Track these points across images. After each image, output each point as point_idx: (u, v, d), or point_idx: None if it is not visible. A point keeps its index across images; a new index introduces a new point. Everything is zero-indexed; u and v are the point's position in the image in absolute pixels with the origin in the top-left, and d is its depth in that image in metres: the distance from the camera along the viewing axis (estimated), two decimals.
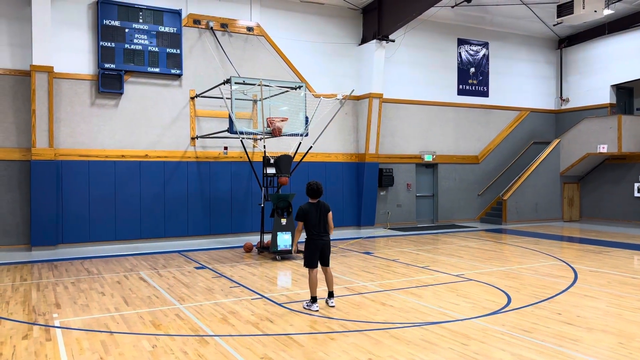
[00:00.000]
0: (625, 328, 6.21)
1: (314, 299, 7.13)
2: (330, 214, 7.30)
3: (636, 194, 17.70)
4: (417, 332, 6.07)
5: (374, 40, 16.17)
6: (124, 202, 13.59)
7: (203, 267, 10.47)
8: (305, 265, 7.24)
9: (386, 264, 10.85)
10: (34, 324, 6.58)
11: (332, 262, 10.87)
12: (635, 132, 17.44)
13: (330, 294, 7.33)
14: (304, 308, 7.17)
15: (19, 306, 7.47)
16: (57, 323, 6.59)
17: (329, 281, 7.33)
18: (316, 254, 7.17)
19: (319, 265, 7.26)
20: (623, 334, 6.00)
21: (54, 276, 9.66)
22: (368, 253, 12.17)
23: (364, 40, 16.78)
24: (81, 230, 13.14)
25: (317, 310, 7.01)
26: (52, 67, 12.46)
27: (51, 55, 12.48)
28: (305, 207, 7.22)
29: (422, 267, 10.27)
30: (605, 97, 19.32)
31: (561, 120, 20.80)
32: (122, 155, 13.65)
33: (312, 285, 7.14)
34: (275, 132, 11.73)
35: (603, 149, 17.57)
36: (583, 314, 6.83)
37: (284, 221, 11.41)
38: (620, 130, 17.21)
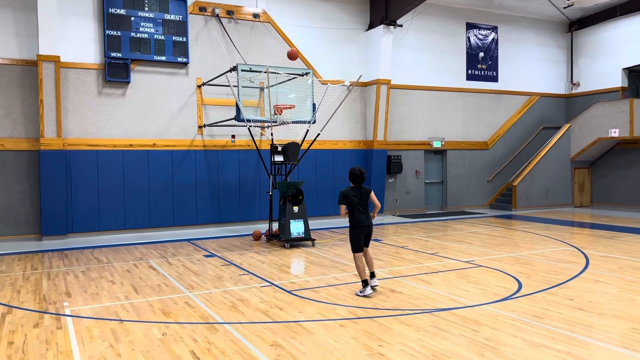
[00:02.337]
0: (637, 313, 6.14)
1: (365, 283, 7.19)
2: (372, 194, 7.44)
3: None
4: (427, 319, 6.03)
5: (382, 26, 15.99)
6: (132, 191, 13.62)
7: (212, 255, 10.49)
8: (353, 250, 7.32)
9: (395, 251, 10.82)
10: (44, 312, 6.62)
11: (341, 249, 10.87)
12: None
13: (372, 274, 7.42)
14: (358, 295, 7.16)
15: (30, 295, 7.52)
16: (67, 311, 6.63)
17: (369, 262, 7.43)
18: (361, 239, 7.29)
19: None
20: (636, 319, 5.93)
21: (65, 265, 9.72)
22: (377, 240, 12.14)
23: (371, 26, 16.60)
24: (91, 219, 13.20)
25: (370, 293, 7.11)
26: (58, 57, 12.43)
27: (57, 44, 12.45)
28: (346, 190, 7.36)
29: (432, 254, 10.23)
30: (616, 80, 19.04)
31: (572, 104, 20.54)
32: (130, 145, 13.65)
33: (361, 270, 7.21)
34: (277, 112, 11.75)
35: (614, 133, 17.34)
36: (595, 300, 6.77)
37: (296, 208, 11.37)
38: (632, 114, 16.96)
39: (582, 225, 14.75)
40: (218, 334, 5.66)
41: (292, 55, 11.63)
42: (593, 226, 14.30)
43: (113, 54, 13.25)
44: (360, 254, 7.27)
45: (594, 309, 6.36)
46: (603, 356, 4.87)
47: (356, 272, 8.59)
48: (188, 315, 6.38)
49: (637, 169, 17.88)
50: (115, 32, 13.27)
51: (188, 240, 12.62)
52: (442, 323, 5.87)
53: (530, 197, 18.33)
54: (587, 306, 6.47)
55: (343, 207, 7.38)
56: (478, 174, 18.94)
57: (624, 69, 18.91)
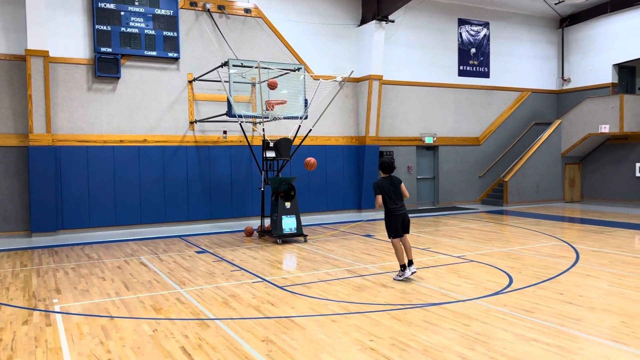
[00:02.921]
0: (627, 307, 6.18)
1: (403, 267, 7.57)
2: (402, 184, 7.71)
3: (638, 174, 17.63)
4: (418, 314, 6.04)
5: (374, 21, 15.96)
6: (123, 187, 13.54)
7: (204, 252, 10.45)
8: (390, 236, 7.62)
9: (387, 246, 10.81)
10: (34, 309, 6.56)
11: (333, 245, 10.87)
12: (637, 112, 17.30)
13: (410, 262, 7.64)
14: (396, 279, 7.58)
15: (19, 292, 7.45)
16: (57, 308, 6.58)
17: (407, 249, 7.64)
18: (398, 226, 7.55)
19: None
20: (625, 313, 5.97)
21: (54, 262, 9.64)
22: (369, 236, 12.15)
23: (363, 21, 16.57)
24: (81, 216, 13.11)
25: (409, 275, 7.52)
26: (47, 52, 12.31)
27: (46, 39, 12.33)
28: (380, 181, 7.62)
29: (423, 249, 10.25)
30: (607, 76, 19.14)
31: (563, 100, 20.64)
32: (121, 141, 13.56)
33: (399, 254, 7.57)
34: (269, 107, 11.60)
35: (605, 129, 17.45)
36: (585, 294, 6.81)
37: (288, 204, 11.34)
38: (622, 110, 17.07)
39: (572, 220, 14.84)
40: (209, 330, 5.64)
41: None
42: (583, 221, 14.39)
43: (103, 49, 13.13)
44: (397, 240, 7.57)
45: (584, 303, 6.39)
46: (593, 350, 4.89)
47: (348, 268, 8.59)
48: (179, 311, 6.35)
49: (627, 164, 18.01)
50: (105, 27, 13.15)
51: (179, 236, 12.57)
52: (433, 318, 5.88)
53: (521, 193, 18.42)
54: (577, 300, 6.50)
55: (379, 198, 7.56)
56: (470, 169, 19.00)
57: (614, 65, 19.02)
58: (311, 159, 11.21)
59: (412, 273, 7.60)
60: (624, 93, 18.45)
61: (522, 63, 19.99)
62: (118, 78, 13.43)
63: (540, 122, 20.11)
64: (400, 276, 7.58)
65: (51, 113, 12.63)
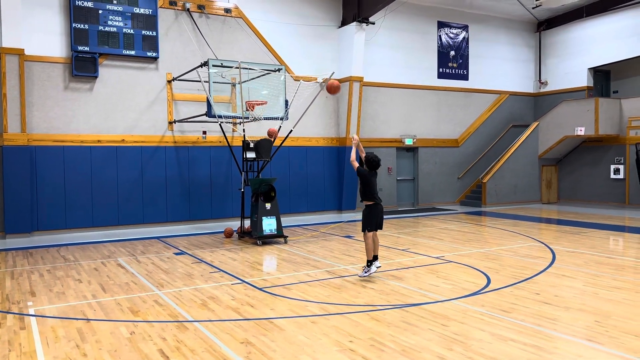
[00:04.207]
0: (601, 306, 6.30)
1: (369, 263, 7.74)
2: None
3: (612, 176, 17.99)
4: (397, 314, 6.07)
5: (354, 23, 16.01)
6: (100, 188, 13.34)
7: (182, 253, 10.36)
8: (365, 229, 7.76)
9: None
10: (7, 312, 6.42)
11: (313, 246, 10.87)
12: (611, 115, 17.66)
13: (375, 257, 7.81)
14: (362, 276, 7.72)
15: None
16: (31, 311, 6.45)
17: (376, 244, 7.84)
18: (374, 219, 7.75)
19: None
20: (599, 312, 6.08)
21: (29, 264, 9.46)
22: (349, 237, 12.17)
23: (343, 23, 16.62)
24: (57, 217, 12.88)
25: (374, 272, 7.71)
26: (22, 50, 12.08)
27: (22, 37, 12.11)
28: (366, 171, 7.88)
29: (403, 250, 10.30)
30: (582, 80, 19.52)
31: (540, 103, 20.97)
32: (98, 140, 13.36)
33: (369, 248, 7.74)
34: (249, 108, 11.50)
35: (580, 131, 17.76)
36: (561, 294, 6.92)
37: (268, 205, 11.30)
38: (597, 113, 17.41)
39: (549, 221, 15.08)
40: (188, 332, 5.59)
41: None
42: (560, 222, 14.63)
43: (80, 48, 12.93)
44: (370, 234, 7.72)
45: (560, 302, 6.50)
46: (568, 349, 4.97)
47: (328, 269, 8.59)
48: (157, 313, 6.28)
49: (602, 166, 18.36)
50: (82, 25, 12.95)
51: (158, 237, 12.43)
52: (412, 318, 5.91)
53: (499, 194, 18.65)
54: (553, 300, 6.61)
55: (356, 163, 7.93)
56: (449, 171, 19.17)
57: (589, 68, 19.40)
58: (335, 81, 10.57)
59: (377, 268, 7.80)
60: (599, 96, 18.82)
61: (500, 66, 20.25)
62: (96, 77, 13.24)
63: (518, 124, 20.40)
64: (366, 272, 7.72)
65: (26, 112, 12.39)
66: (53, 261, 9.69)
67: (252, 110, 11.68)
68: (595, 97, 18.41)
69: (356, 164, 7.96)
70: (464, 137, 19.45)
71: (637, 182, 17.02)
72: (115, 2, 13.31)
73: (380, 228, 7.91)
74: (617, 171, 17.84)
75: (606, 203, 18.11)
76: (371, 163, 7.85)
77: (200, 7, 14.52)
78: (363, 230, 7.83)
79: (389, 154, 17.85)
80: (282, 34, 15.77)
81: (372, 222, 7.78)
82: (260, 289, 7.38)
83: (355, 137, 8.14)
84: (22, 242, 11.72)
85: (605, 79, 20.17)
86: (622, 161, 17.73)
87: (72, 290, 7.46)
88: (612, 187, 18.04)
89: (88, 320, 6.05)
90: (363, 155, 8.04)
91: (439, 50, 18.80)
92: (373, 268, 7.72)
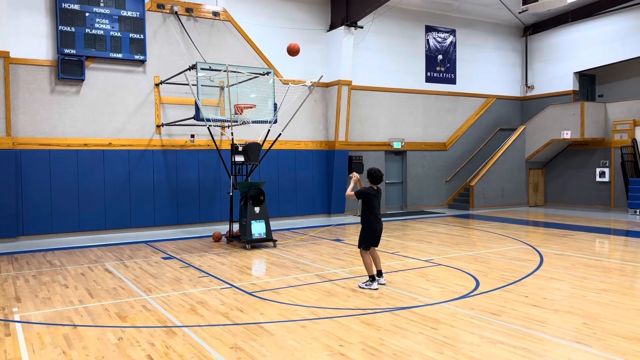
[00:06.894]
0: (589, 309, 6.35)
1: (372, 278, 7.47)
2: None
3: (598, 179, 18.19)
4: (387, 318, 6.07)
5: (343, 27, 16.05)
6: (87, 192, 13.20)
7: (170, 258, 10.28)
8: (361, 246, 7.56)
9: (356, 250, 10.83)
10: None
11: (302, 250, 10.84)
12: (597, 119, 17.87)
13: (380, 273, 7.64)
14: (361, 287, 7.48)
15: None
16: (17, 317, 6.35)
17: (377, 260, 7.64)
18: (373, 237, 7.53)
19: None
20: (587, 314, 6.13)
21: (14, 269, 9.32)
22: (338, 240, 12.16)
23: (332, 27, 16.65)
24: (43, 221, 12.72)
25: (377, 288, 7.37)
26: (8, 53, 11.94)
27: (7, 39, 11.96)
28: (367, 189, 7.57)
29: (392, 253, 10.32)
30: (568, 84, 19.74)
31: (526, 107, 21.16)
32: (85, 144, 13.23)
33: (368, 266, 7.50)
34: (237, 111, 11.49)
35: (567, 135, 17.95)
36: (549, 296, 6.96)
37: (257, 209, 11.26)
38: (583, 117, 17.60)
39: (536, 224, 15.19)
40: (176, 337, 5.53)
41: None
42: (547, 225, 14.75)
43: (67, 51, 12.81)
44: (367, 252, 7.54)
45: (548, 305, 6.54)
46: (557, 351, 5.00)
47: (317, 273, 8.57)
48: (145, 319, 6.22)
49: (588, 169, 18.56)
50: (68, 28, 12.83)
51: (145, 242, 12.33)
52: (402, 322, 5.91)
53: (487, 197, 18.77)
54: (542, 303, 6.64)
55: (354, 195, 7.54)
56: (437, 174, 19.26)
57: (575, 73, 19.64)
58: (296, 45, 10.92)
59: (382, 284, 7.54)
60: (585, 100, 19.04)
61: (487, 70, 20.41)
62: (82, 80, 13.12)
63: (505, 127, 20.56)
64: (367, 285, 7.44)
65: (11, 116, 12.24)
66: (39, 266, 9.56)
67: (240, 113, 11.65)
68: (580, 101, 18.62)
69: (352, 193, 7.59)
70: (451, 141, 19.56)
71: (623, 185, 17.23)
72: (102, 4, 13.22)
73: (376, 245, 7.61)
74: (602, 174, 18.05)
75: (592, 206, 18.30)
76: (374, 177, 7.56)
77: (188, 10, 14.46)
78: (359, 247, 7.59)
79: (377, 157, 17.89)
80: (270, 37, 15.75)
81: (370, 239, 7.51)
82: (249, 294, 7.33)
83: (356, 174, 7.92)
84: (7, 247, 11.55)
85: (591, 83, 20.42)
86: (607, 164, 17.94)
87: (58, 296, 7.36)
88: (597, 190, 18.24)
89: (75, 326, 5.97)
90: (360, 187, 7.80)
91: (426, 54, 18.90)
92: (375, 284, 7.41)
